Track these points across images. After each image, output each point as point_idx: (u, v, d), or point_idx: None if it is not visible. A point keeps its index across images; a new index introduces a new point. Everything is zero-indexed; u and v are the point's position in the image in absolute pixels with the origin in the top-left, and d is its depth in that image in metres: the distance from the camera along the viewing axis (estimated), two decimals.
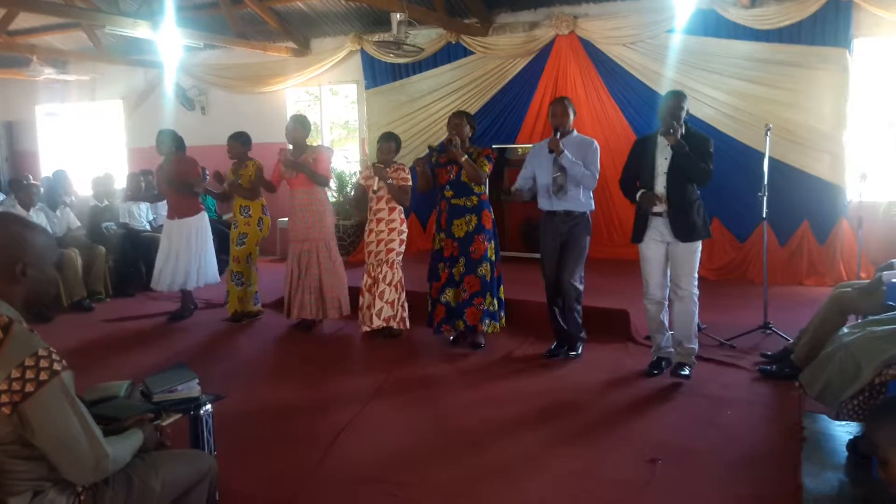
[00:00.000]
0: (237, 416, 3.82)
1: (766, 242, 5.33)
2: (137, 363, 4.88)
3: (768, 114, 6.46)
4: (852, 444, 3.15)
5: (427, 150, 5.32)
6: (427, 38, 8.20)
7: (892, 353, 2.93)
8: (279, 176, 5.78)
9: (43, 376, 1.75)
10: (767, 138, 5.00)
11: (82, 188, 9.23)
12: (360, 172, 6.13)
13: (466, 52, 8.14)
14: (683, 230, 4.20)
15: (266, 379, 4.78)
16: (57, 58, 10.31)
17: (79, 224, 7.49)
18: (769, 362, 4.50)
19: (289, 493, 3.11)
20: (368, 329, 5.44)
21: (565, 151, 4.55)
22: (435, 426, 3.83)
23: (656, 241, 4.31)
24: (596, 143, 4.71)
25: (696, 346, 4.38)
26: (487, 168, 4.98)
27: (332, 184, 5.98)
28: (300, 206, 5.65)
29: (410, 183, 5.42)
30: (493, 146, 7.19)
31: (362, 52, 8.75)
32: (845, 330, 3.40)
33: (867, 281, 4.22)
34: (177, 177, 6.07)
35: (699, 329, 4.65)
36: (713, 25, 6.90)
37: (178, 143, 6.26)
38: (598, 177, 4.66)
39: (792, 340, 4.46)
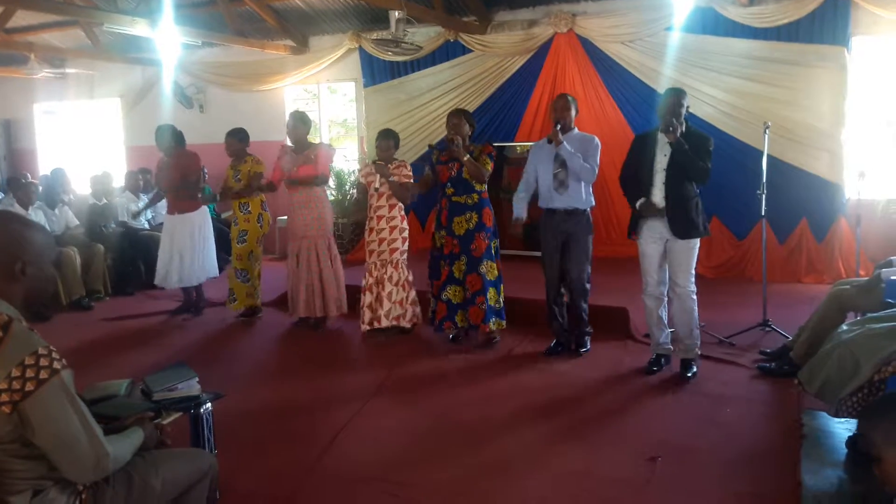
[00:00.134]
0: (237, 414, 3.82)
1: (764, 240, 5.34)
2: (137, 362, 4.88)
3: (767, 112, 6.46)
4: (852, 441, 3.15)
5: (427, 149, 5.32)
6: (425, 36, 8.20)
7: (891, 350, 2.94)
8: (280, 174, 5.78)
9: (43, 375, 1.75)
10: (766, 136, 5.01)
11: (81, 186, 9.21)
12: (360, 171, 6.12)
13: (465, 50, 8.13)
14: (681, 228, 4.21)
15: (266, 377, 4.78)
16: (55, 55, 10.30)
17: (77, 222, 7.48)
18: (768, 360, 4.51)
19: (288, 492, 3.11)
20: (369, 328, 5.45)
21: (564, 142, 4.57)
22: (435, 424, 3.84)
23: (654, 238, 4.33)
24: (597, 139, 4.74)
25: (697, 341, 4.40)
26: (489, 166, 4.99)
27: (332, 182, 5.97)
28: (299, 203, 5.65)
29: (412, 180, 5.42)
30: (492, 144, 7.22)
31: (361, 49, 8.73)
32: (844, 327, 3.41)
33: (866, 278, 4.23)
34: (178, 172, 6.09)
35: (699, 327, 4.65)
36: (711, 23, 6.90)
37: (178, 138, 6.27)
38: (596, 171, 4.67)
39: (791, 338, 4.47)
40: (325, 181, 5.80)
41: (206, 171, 7.78)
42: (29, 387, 1.73)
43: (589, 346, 4.91)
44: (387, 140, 5.40)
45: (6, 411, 1.72)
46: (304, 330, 5.79)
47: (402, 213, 5.50)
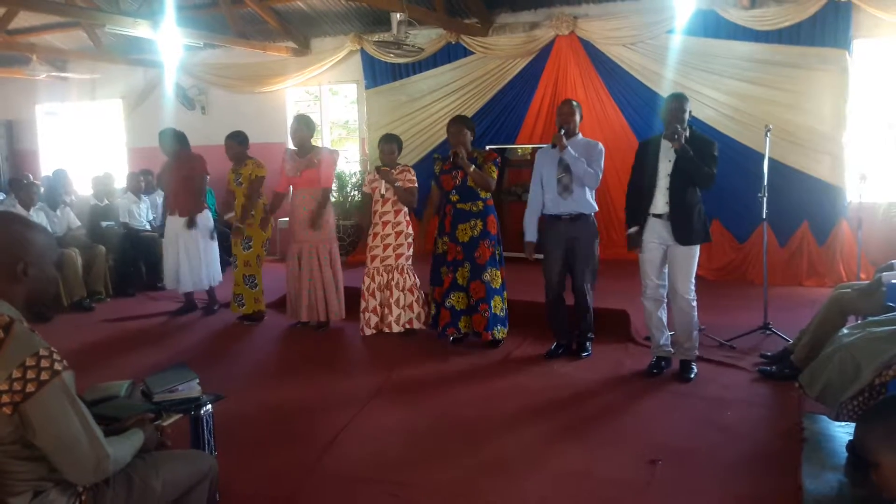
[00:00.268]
0: (237, 415, 3.83)
1: (765, 243, 5.33)
2: (138, 363, 4.88)
3: (768, 115, 6.47)
4: (852, 446, 3.15)
5: (433, 161, 5.32)
6: (427, 38, 8.21)
7: (892, 354, 2.94)
8: (287, 181, 5.75)
9: (44, 376, 1.75)
10: (767, 139, 5.01)
11: (82, 187, 9.23)
12: (366, 175, 6.11)
13: (466, 53, 8.14)
14: (684, 234, 4.22)
15: (266, 379, 4.78)
16: (57, 57, 10.32)
17: (79, 223, 7.48)
18: (769, 363, 4.50)
19: (288, 493, 3.11)
20: (375, 332, 5.47)
21: (568, 147, 4.57)
22: (435, 425, 3.84)
23: (655, 243, 4.33)
24: (601, 145, 4.75)
25: (696, 344, 4.43)
26: (495, 174, 5.00)
27: (333, 184, 5.97)
28: (301, 205, 5.65)
29: (416, 184, 5.42)
30: (493, 146, 7.22)
31: (362, 51, 8.75)
32: (845, 331, 3.41)
33: (867, 282, 4.22)
34: (183, 175, 6.11)
35: (699, 330, 4.66)
36: (713, 26, 6.91)
37: (182, 140, 6.28)
38: (600, 176, 4.68)
39: (792, 341, 4.47)
40: (330, 192, 5.79)
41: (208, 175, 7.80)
42: (30, 388, 1.73)
43: (590, 351, 4.90)
44: (390, 144, 5.41)
45: (7, 412, 1.72)
46: (304, 331, 5.79)
47: (407, 217, 5.51)
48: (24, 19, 9.25)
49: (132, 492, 2.00)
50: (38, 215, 6.81)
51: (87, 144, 11.60)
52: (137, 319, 6.45)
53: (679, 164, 4.17)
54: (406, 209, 5.48)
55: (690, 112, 4.31)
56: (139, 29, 7.20)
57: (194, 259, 6.23)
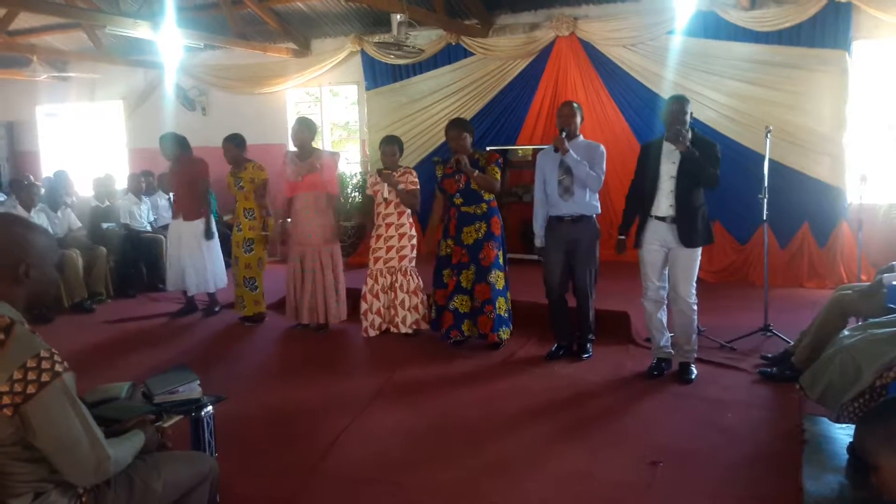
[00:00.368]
0: (238, 417, 3.82)
1: (766, 245, 5.33)
2: (139, 364, 4.89)
3: (768, 116, 6.47)
4: (853, 447, 3.15)
5: (433, 165, 5.33)
6: (427, 39, 8.21)
7: (893, 356, 2.93)
8: (290, 185, 5.73)
9: (45, 378, 1.75)
10: (767, 140, 5.01)
11: (83, 189, 9.23)
12: (367, 177, 6.11)
13: (467, 54, 8.14)
14: (688, 236, 4.22)
15: (267, 380, 4.78)
16: (57, 58, 10.32)
17: (80, 225, 7.49)
18: (770, 365, 4.50)
19: (289, 494, 3.11)
20: (378, 333, 5.49)
21: (570, 150, 4.56)
22: (436, 426, 3.83)
23: (656, 246, 4.33)
24: (602, 147, 4.74)
25: (695, 347, 4.44)
26: (498, 174, 5.00)
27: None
28: (303, 208, 5.64)
29: (419, 186, 5.42)
30: (493, 148, 7.22)
31: (363, 52, 8.75)
32: (846, 332, 3.41)
33: (867, 283, 4.21)
34: (185, 179, 6.12)
35: (699, 332, 4.66)
36: (713, 27, 6.90)
37: (183, 144, 6.28)
38: (602, 178, 4.68)
39: (792, 343, 4.47)
40: (337, 198, 5.79)
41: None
42: (30, 389, 1.73)
43: (591, 353, 4.90)
44: (391, 146, 5.40)
45: (7, 414, 1.72)
46: (304, 333, 5.79)
47: (411, 219, 5.51)
48: (24, 20, 9.25)
49: (133, 493, 2.00)
50: (38, 217, 6.81)
51: (88, 145, 11.61)
52: (138, 321, 6.45)
53: (685, 166, 4.17)
54: (409, 211, 5.47)
55: (692, 114, 4.31)
56: (139, 30, 7.20)
57: (198, 261, 6.23)
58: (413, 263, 5.49)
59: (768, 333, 5.03)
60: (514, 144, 7.78)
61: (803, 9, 6.47)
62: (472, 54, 8.11)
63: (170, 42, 7.76)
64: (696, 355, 4.47)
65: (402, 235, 5.42)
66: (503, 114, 8.04)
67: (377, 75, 8.72)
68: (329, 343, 5.58)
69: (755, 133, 6.44)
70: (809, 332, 4.19)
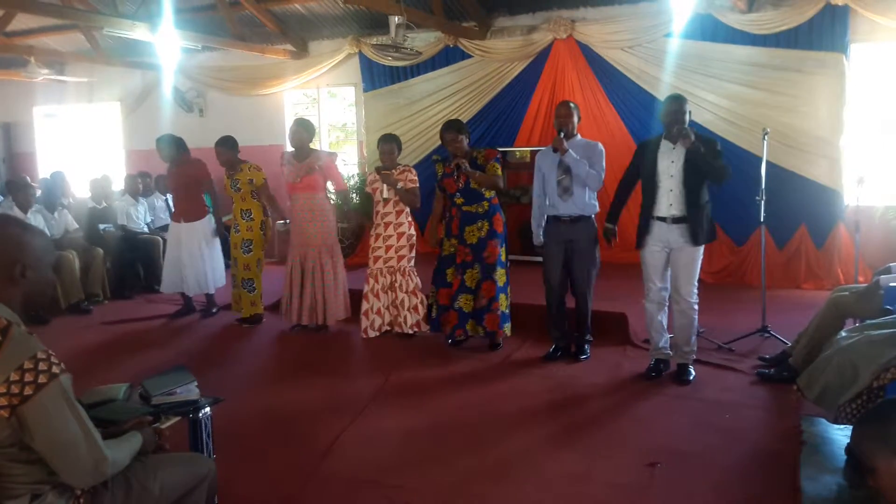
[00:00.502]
0: (236, 418, 3.81)
1: (763, 246, 5.34)
2: (136, 366, 4.88)
3: (766, 118, 6.48)
4: (851, 448, 3.15)
5: (432, 163, 5.32)
6: (425, 41, 8.21)
7: (890, 357, 2.94)
8: (289, 187, 5.72)
9: (42, 379, 1.75)
10: (765, 143, 5.02)
11: (80, 190, 9.21)
12: (366, 176, 6.11)
13: (464, 56, 8.15)
14: (694, 233, 4.22)
15: (265, 381, 4.78)
16: (55, 59, 10.29)
17: (76, 226, 7.47)
18: (767, 366, 4.51)
19: (288, 496, 3.10)
20: (378, 334, 5.48)
21: (569, 150, 4.56)
22: (434, 428, 3.83)
23: (658, 247, 4.33)
24: (601, 145, 4.74)
25: (694, 348, 4.45)
26: (500, 170, 5.01)
27: (330, 185, 5.94)
28: (301, 210, 5.63)
29: (418, 184, 5.41)
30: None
31: (360, 54, 8.75)
32: (843, 334, 3.41)
33: (865, 285, 4.22)
34: (184, 181, 6.11)
35: (698, 333, 4.67)
36: (710, 30, 6.92)
37: (180, 146, 6.27)
38: (603, 177, 4.68)
39: (790, 344, 4.47)
40: (348, 193, 5.78)
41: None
42: (27, 391, 1.73)
43: (588, 354, 4.90)
44: (389, 144, 5.39)
45: (4, 415, 1.72)
46: (303, 334, 5.78)
47: (409, 218, 5.50)
48: (21, 21, 9.24)
49: (130, 495, 1.99)
50: (35, 218, 6.79)
51: (85, 147, 11.59)
52: (135, 322, 6.44)
53: (691, 163, 4.17)
54: (408, 210, 5.47)
55: (690, 114, 4.31)
56: (137, 31, 7.20)
57: (198, 262, 6.21)
58: (412, 263, 5.49)
59: (766, 335, 5.03)
60: (511, 146, 7.78)
61: (800, 12, 6.48)
62: (469, 56, 8.11)
63: (167, 43, 7.75)
64: (694, 356, 4.47)
65: (400, 235, 5.41)
66: (501, 116, 8.04)
67: (375, 77, 8.72)
68: (328, 344, 5.57)
69: (753, 135, 6.45)
70: (807, 334, 4.20)
